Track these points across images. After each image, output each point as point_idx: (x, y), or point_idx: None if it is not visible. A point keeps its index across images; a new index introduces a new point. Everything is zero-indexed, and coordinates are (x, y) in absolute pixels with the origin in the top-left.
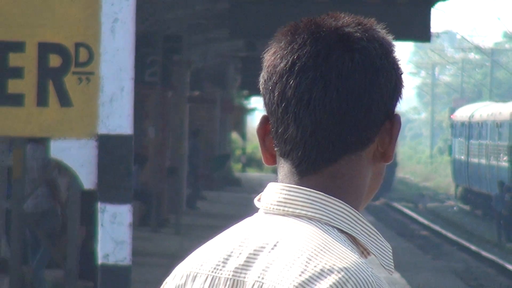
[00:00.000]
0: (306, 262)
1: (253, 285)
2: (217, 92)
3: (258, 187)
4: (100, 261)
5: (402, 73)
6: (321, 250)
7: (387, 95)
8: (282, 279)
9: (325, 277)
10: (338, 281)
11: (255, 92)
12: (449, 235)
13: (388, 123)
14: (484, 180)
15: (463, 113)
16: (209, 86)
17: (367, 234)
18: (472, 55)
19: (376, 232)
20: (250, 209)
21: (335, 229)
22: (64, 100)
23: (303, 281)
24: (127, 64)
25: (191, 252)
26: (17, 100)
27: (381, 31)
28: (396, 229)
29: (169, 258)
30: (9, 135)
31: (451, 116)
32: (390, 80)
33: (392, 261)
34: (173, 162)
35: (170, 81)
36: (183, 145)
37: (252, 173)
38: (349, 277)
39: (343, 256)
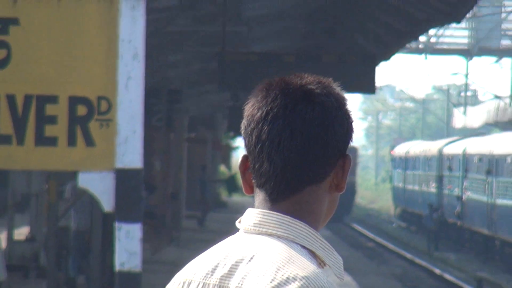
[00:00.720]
0: (276, 271)
1: None
2: (208, 134)
3: (240, 209)
4: (117, 268)
5: (352, 122)
6: (287, 262)
7: (341, 138)
8: (256, 285)
9: (290, 284)
10: (300, 287)
11: (239, 134)
12: (390, 245)
13: (341, 160)
14: (417, 202)
15: (401, 150)
16: (202, 129)
17: (323, 249)
18: (408, 104)
19: (330, 247)
20: (234, 227)
21: (298, 245)
22: (89, 141)
23: (273, 287)
24: (138, 112)
25: (189, 261)
26: (52, 141)
27: (336, 88)
28: (348, 242)
29: (170, 265)
30: (46, 169)
31: (391, 152)
32: (343, 127)
33: (342, 270)
34: (175, 189)
35: (172, 125)
36: (182, 175)
37: (236, 198)
38: (309, 284)
39: (304, 266)
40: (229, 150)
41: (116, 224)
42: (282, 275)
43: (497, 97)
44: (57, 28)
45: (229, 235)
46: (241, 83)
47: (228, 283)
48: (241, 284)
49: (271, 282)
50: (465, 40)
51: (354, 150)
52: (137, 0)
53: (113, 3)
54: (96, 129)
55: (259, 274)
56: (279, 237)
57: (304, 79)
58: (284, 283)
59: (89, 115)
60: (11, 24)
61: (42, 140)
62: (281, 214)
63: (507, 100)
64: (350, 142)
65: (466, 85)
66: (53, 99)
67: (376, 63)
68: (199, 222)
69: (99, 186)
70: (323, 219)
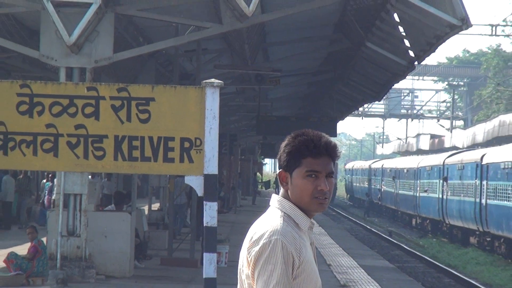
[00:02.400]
0: (259, 224)
1: (249, 238)
2: (251, 156)
3: (268, 195)
4: (204, 224)
5: (288, 151)
6: (267, 220)
7: (282, 160)
8: (250, 233)
9: (259, 235)
10: (263, 232)
11: (267, 157)
12: (343, 213)
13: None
14: (358, 192)
15: (349, 165)
16: (247, 154)
17: (296, 214)
18: (353, 142)
19: (301, 213)
20: (267, 205)
21: (282, 212)
22: (190, 160)
23: (255, 231)
24: (214, 146)
25: (242, 222)
26: (172, 160)
27: (292, 136)
28: (323, 213)
29: (231, 223)
30: (169, 173)
31: (345, 166)
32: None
33: (304, 221)
34: (234, 185)
35: (232, 152)
36: (237, 178)
37: (267, 190)
38: (269, 230)
39: (274, 224)
40: (261, 165)
41: (204, 202)
42: (255, 232)
43: (398, 138)
44: (175, 102)
45: (264, 209)
46: (268, 131)
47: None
48: (251, 234)
49: (254, 228)
50: (382, 109)
51: (337, 164)
52: (215, 88)
53: (203, 90)
54: (194, 154)
55: (253, 226)
56: (275, 207)
57: (319, 133)
58: (256, 238)
59: (191, 147)
60: (150, 100)
61: (167, 159)
62: (278, 196)
63: (404, 141)
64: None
65: (383, 132)
66: (172, 139)
67: (337, 122)
68: (252, 202)
69: (196, 182)
70: (299, 200)
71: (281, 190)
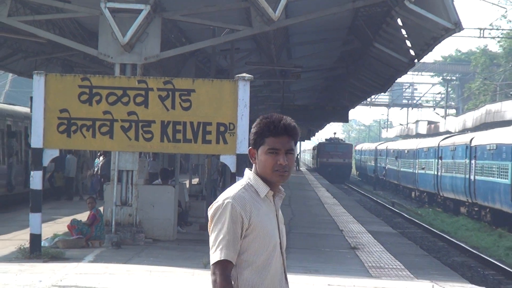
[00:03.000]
0: (224, 192)
1: None
2: None
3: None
4: None
5: (254, 132)
6: (229, 188)
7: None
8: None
9: (219, 201)
10: (221, 197)
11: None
12: (354, 187)
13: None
14: (366, 169)
15: (359, 147)
16: None
17: (257, 184)
18: (362, 127)
19: (262, 183)
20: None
21: (246, 182)
22: (225, 142)
23: (218, 197)
24: (246, 130)
25: None
26: (209, 142)
27: (263, 116)
28: (337, 187)
29: None
30: (206, 153)
31: (355, 148)
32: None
33: (262, 189)
34: None
35: None
36: None
37: None
38: (225, 195)
39: (233, 190)
40: None
41: (236, 177)
42: (218, 199)
43: (400, 124)
44: (212, 93)
45: (286, 182)
46: (291, 117)
47: None
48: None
49: (211, 205)
50: (387, 100)
51: (351, 145)
52: (246, 81)
53: (236, 83)
54: (228, 137)
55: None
56: (244, 178)
57: (281, 115)
58: (215, 201)
59: (225, 130)
60: (191, 92)
61: (205, 141)
62: (248, 170)
63: (405, 126)
64: (256, 142)
65: (387, 119)
66: (209, 124)
67: (348, 110)
68: None
69: (229, 161)
70: (263, 172)
71: (253, 165)
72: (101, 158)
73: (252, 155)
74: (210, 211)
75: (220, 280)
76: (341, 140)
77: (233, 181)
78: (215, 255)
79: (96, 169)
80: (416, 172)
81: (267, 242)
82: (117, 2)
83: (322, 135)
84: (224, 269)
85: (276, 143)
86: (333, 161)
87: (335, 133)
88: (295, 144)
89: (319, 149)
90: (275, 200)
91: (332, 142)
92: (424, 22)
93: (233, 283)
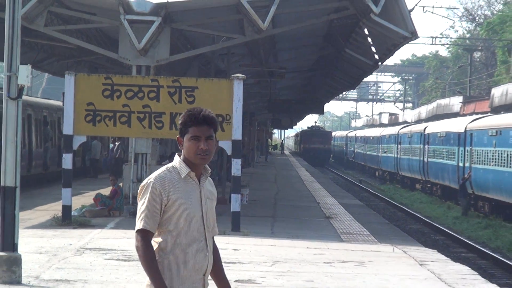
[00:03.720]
0: (153, 173)
1: None
2: (264, 128)
3: (275, 155)
4: (232, 174)
5: (180, 122)
6: (158, 170)
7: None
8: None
9: (147, 178)
10: (147, 178)
11: (275, 128)
12: (329, 167)
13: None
14: (339, 152)
15: (337, 134)
16: (262, 126)
17: (180, 166)
18: (335, 118)
19: (184, 165)
20: (275, 161)
21: (172, 165)
22: (222, 129)
23: (144, 180)
24: (239, 120)
25: (257, 173)
26: None
27: (190, 110)
28: (322, 171)
29: (251, 174)
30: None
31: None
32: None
33: (184, 174)
34: (252, 147)
35: (251, 124)
36: (254, 142)
37: (275, 151)
38: (150, 176)
39: (157, 172)
40: (271, 133)
41: (232, 159)
42: (145, 179)
43: (367, 116)
44: (212, 90)
45: (273, 164)
46: (277, 110)
47: None
48: None
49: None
50: (355, 95)
51: (331, 132)
52: (240, 80)
53: (231, 81)
54: (225, 126)
55: None
56: (173, 161)
57: (201, 108)
58: (143, 182)
59: (223, 120)
60: (195, 88)
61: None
62: (176, 155)
63: (370, 117)
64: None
65: (356, 111)
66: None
67: (324, 104)
68: (265, 159)
69: (226, 145)
70: (188, 156)
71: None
72: (116, 143)
73: (180, 142)
74: (139, 189)
75: (141, 245)
76: (322, 128)
77: (229, 162)
78: (137, 225)
79: (109, 152)
80: (380, 155)
81: (184, 214)
82: (134, 15)
83: (302, 124)
84: (144, 236)
85: (197, 131)
86: (315, 146)
87: (316, 122)
88: (215, 132)
89: (302, 135)
90: (201, 179)
91: (314, 130)
92: (386, 32)
93: (153, 247)
